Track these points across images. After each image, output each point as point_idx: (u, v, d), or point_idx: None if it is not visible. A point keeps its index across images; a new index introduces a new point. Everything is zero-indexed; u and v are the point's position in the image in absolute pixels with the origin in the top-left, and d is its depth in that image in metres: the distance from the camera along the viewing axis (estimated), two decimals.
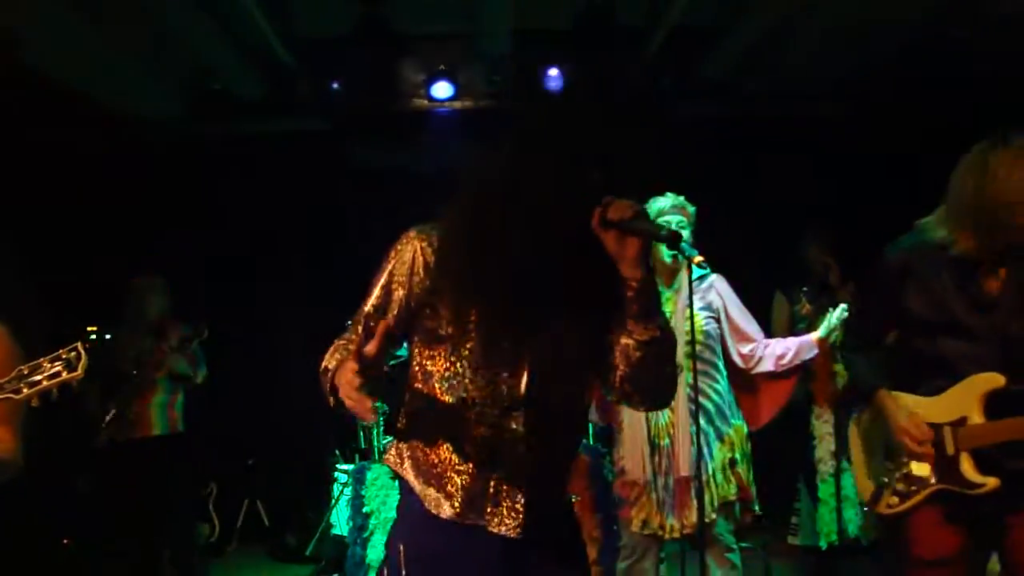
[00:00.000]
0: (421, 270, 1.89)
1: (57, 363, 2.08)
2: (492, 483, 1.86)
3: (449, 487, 1.88)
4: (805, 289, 5.03)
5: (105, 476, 4.94)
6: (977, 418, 2.50)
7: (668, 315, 3.49)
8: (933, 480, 2.57)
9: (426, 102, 6.42)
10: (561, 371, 1.87)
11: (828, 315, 3.63)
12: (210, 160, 6.74)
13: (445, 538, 1.89)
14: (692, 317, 3.36)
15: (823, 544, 4.81)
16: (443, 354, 1.88)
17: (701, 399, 3.40)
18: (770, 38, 5.76)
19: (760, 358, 3.60)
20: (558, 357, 1.85)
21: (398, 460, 1.99)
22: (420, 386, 1.92)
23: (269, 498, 6.29)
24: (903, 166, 6.64)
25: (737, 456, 3.50)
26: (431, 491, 1.90)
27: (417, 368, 1.94)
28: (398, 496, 2.00)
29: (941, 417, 2.57)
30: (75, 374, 2.06)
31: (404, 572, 1.91)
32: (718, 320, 3.57)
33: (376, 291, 1.94)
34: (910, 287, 2.58)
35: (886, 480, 2.70)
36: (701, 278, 3.63)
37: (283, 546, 5.88)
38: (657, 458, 3.47)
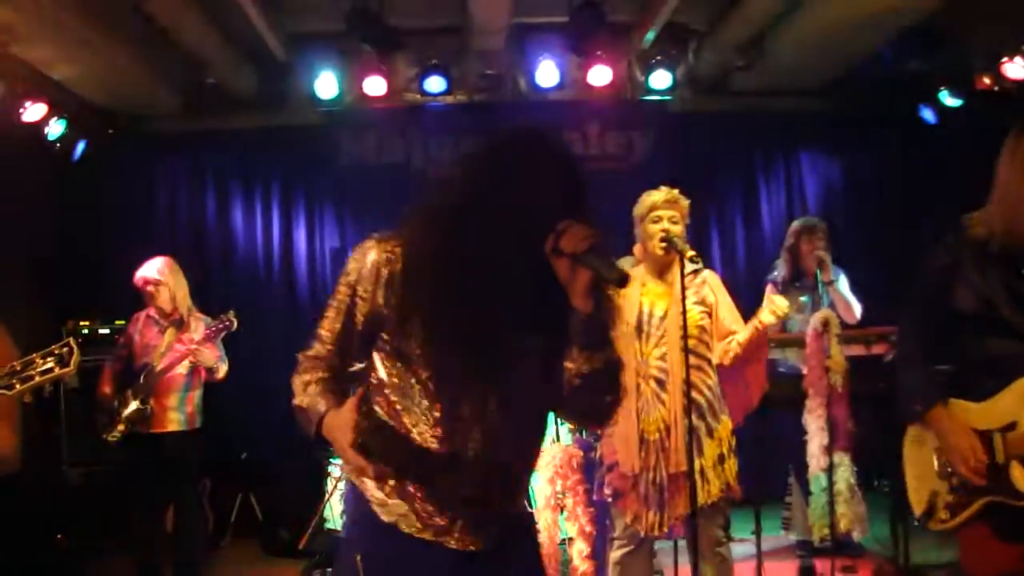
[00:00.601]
0: (385, 284, 1.83)
1: (49, 359, 2.09)
2: (449, 501, 1.84)
3: (406, 504, 1.85)
4: (797, 284, 5.06)
5: (117, 468, 4.87)
6: None
7: (663, 309, 3.52)
8: (983, 492, 2.40)
9: (419, 96, 6.42)
10: (522, 392, 1.84)
11: (771, 301, 3.58)
12: (205, 153, 6.75)
13: (400, 548, 1.86)
14: (685, 312, 3.40)
15: (815, 539, 4.84)
16: (401, 372, 1.85)
17: (694, 394, 3.40)
18: (761, 35, 5.78)
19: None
20: (520, 379, 1.82)
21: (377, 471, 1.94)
22: (380, 400, 1.88)
23: (262, 492, 6.29)
24: (895, 162, 6.70)
25: (724, 451, 3.52)
26: (390, 505, 1.87)
27: (376, 382, 1.89)
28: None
29: (991, 423, 2.40)
30: (67, 369, 2.07)
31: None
32: (711, 315, 3.58)
33: (340, 304, 1.90)
34: (958, 287, 2.46)
35: (938, 494, 2.53)
36: (695, 272, 3.63)
37: (276, 540, 5.87)
38: (644, 453, 3.48)
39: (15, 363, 2.13)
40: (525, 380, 1.83)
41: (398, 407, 1.85)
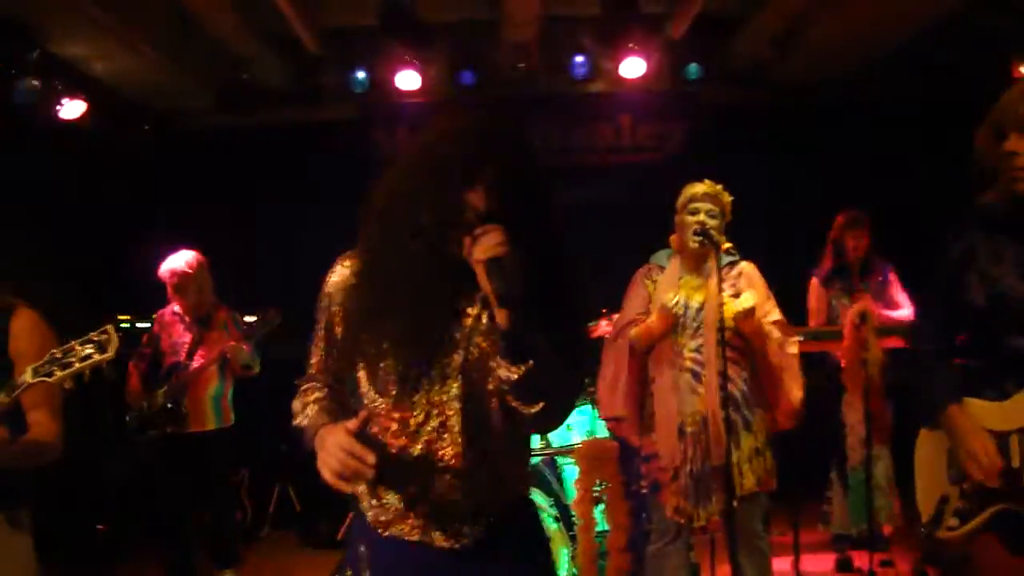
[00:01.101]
0: (342, 297, 1.89)
1: (88, 346, 2.11)
2: (424, 504, 1.83)
3: (389, 508, 1.87)
4: (840, 276, 4.98)
5: (153, 466, 4.84)
6: None
7: (699, 302, 3.48)
8: (995, 498, 2.22)
9: (451, 90, 6.41)
10: (477, 394, 1.81)
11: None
12: (239, 150, 6.79)
13: (391, 550, 1.87)
14: (721, 304, 3.37)
15: (854, 533, 4.78)
16: (368, 378, 1.87)
17: (729, 387, 3.37)
18: (794, 24, 5.71)
19: None
20: (471, 380, 1.81)
21: None
22: (359, 407, 1.89)
23: (301, 484, 6.33)
24: (934, 151, 6.57)
25: (760, 445, 3.47)
26: (375, 510, 1.89)
27: (358, 388, 1.91)
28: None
29: (1007, 424, 2.22)
30: (106, 355, 2.08)
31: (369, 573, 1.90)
32: None
33: (320, 325, 1.95)
34: (971, 280, 2.28)
35: (948, 500, 2.35)
36: (731, 264, 3.60)
37: (315, 532, 5.92)
38: (683, 445, 3.46)
39: (55, 350, 2.15)
40: (476, 380, 1.81)
41: (373, 416, 1.86)
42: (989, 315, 2.27)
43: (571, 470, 4.38)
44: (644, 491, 3.77)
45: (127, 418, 4.75)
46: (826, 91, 6.52)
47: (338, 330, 1.91)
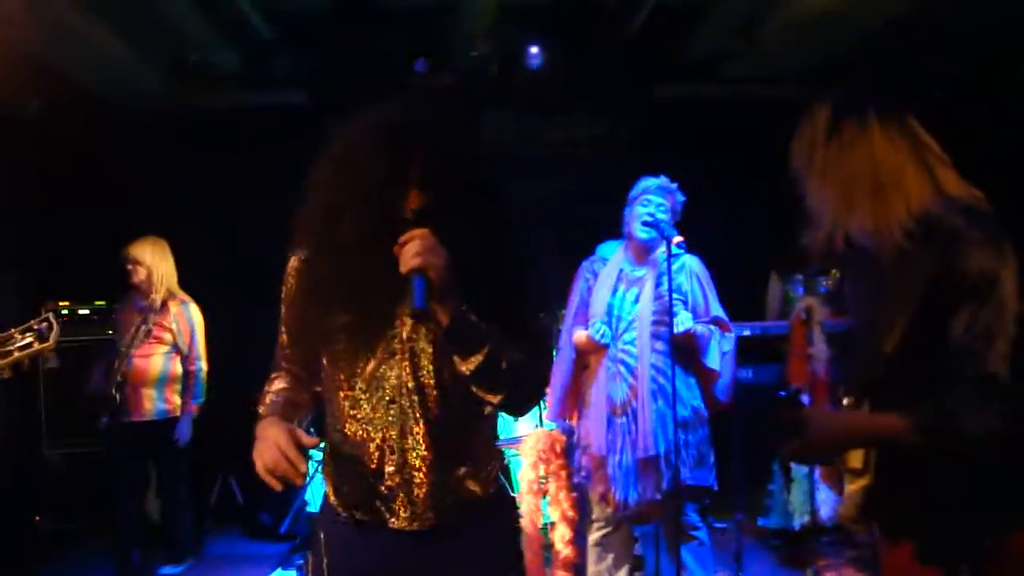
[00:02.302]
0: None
1: (28, 334, 2.07)
2: (386, 479, 1.85)
3: (347, 487, 1.90)
4: (801, 274, 5.05)
5: (99, 452, 4.85)
6: None
7: (635, 294, 3.53)
8: None
9: (406, 78, 6.36)
10: (432, 381, 1.84)
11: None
12: (189, 134, 6.66)
13: (352, 536, 1.90)
14: (671, 295, 3.41)
15: (796, 524, 4.87)
16: (328, 362, 1.91)
17: (661, 380, 3.44)
18: (752, 17, 5.74)
19: None
20: (422, 368, 1.83)
21: (325, 459, 2.02)
22: (323, 391, 1.96)
23: (243, 475, 6.26)
24: None
25: (690, 438, 3.52)
26: (337, 490, 1.93)
27: (323, 374, 1.96)
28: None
29: None
30: (46, 344, 2.05)
31: (325, 560, 1.93)
32: (685, 302, 3.58)
33: (284, 319, 2.00)
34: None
35: None
36: (674, 257, 3.64)
37: (257, 524, 5.87)
38: (611, 435, 3.50)
39: None
40: (435, 365, 1.83)
41: (333, 396, 1.90)
42: None
43: (516, 462, 4.40)
44: (582, 480, 3.81)
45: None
46: (784, 86, 6.57)
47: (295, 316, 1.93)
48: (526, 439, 4.16)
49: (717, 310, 3.64)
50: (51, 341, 2.05)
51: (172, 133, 6.62)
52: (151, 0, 5.27)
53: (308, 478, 5.21)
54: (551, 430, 4.26)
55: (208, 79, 6.21)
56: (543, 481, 4.06)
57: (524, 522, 4.05)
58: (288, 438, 1.74)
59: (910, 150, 1.87)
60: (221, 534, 5.93)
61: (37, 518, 5.59)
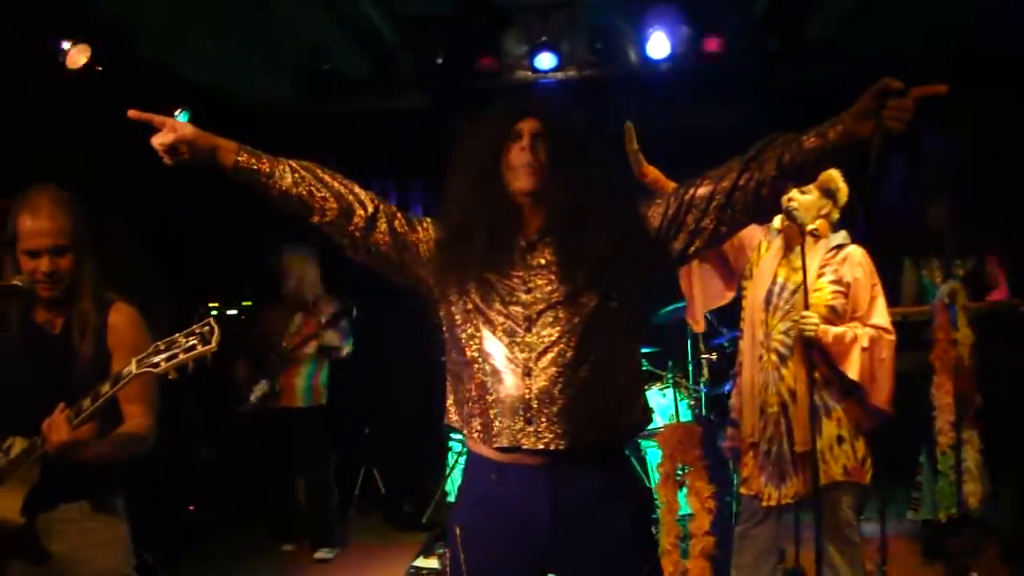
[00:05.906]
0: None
1: (192, 337, 2.19)
2: (525, 401, 1.94)
3: (483, 418, 2.00)
4: (936, 257, 4.84)
5: (248, 443, 5.17)
6: None
7: (796, 284, 3.37)
8: None
9: (530, 74, 6.39)
10: (588, 271, 2.00)
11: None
12: (323, 140, 6.88)
13: (491, 475, 2.01)
14: (806, 289, 3.29)
15: (942, 517, 4.67)
16: (455, 303, 2.10)
17: (815, 374, 3.31)
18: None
19: None
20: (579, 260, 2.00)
21: (452, 415, 2.15)
22: (448, 338, 2.13)
23: (385, 466, 6.45)
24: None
25: (844, 433, 3.38)
26: (475, 426, 2.03)
27: (446, 329, 2.15)
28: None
29: None
30: (209, 347, 2.16)
31: (461, 554, 2.02)
32: (846, 295, 3.41)
33: None
34: None
35: None
36: (838, 248, 3.45)
37: (399, 513, 6.03)
38: (763, 424, 3.42)
39: (159, 343, 2.24)
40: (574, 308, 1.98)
41: (460, 336, 2.08)
42: None
43: (654, 453, 4.38)
44: (728, 455, 3.80)
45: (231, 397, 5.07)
46: (908, 65, 6.28)
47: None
48: (663, 430, 4.14)
49: (879, 317, 3.39)
50: (213, 344, 2.16)
51: (306, 139, 6.85)
52: (284, 15, 5.47)
53: (449, 469, 5.34)
54: (687, 421, 4.23)
55: (339, 86, 6.41)
56: (680, 473, 4.03)
57: (661, 513, 4.04)
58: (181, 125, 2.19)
59: None
60: (365, 523, 6.13)
61: (191, 507, 5.93)
